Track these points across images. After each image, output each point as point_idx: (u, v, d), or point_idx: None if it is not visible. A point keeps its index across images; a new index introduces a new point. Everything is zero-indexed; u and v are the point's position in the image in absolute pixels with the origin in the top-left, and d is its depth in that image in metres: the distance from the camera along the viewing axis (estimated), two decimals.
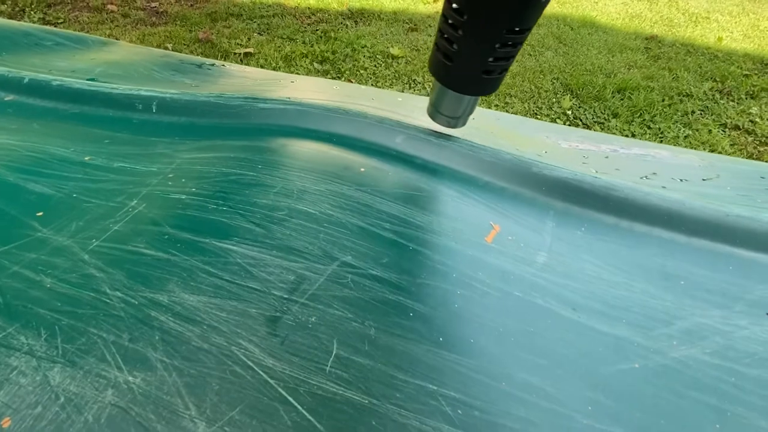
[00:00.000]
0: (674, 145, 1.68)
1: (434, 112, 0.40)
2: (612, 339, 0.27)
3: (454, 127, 0.41)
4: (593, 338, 0.26)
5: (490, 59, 0.31)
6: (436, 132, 0.42)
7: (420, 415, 0.21)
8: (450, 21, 0.30)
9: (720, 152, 1.67)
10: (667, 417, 0.23)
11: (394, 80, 2.07)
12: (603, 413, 0.22)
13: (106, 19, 2.46)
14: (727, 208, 0.36)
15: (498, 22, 0.29)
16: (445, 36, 0.32)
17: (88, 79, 0.53)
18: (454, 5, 0.29)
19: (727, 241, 0.35)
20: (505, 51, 0.31)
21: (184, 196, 0.33)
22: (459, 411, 0.21)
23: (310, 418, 0.20)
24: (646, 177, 0.46)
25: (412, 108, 0.52)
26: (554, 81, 2.12)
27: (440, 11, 0.31)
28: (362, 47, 2.30)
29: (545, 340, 0.26)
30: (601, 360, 0.25)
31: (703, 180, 0.47)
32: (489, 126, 0.55)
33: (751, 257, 0.34)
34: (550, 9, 2.95)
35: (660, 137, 1.76)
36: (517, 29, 0.29)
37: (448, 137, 0.42)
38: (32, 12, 2.45)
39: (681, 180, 0.46)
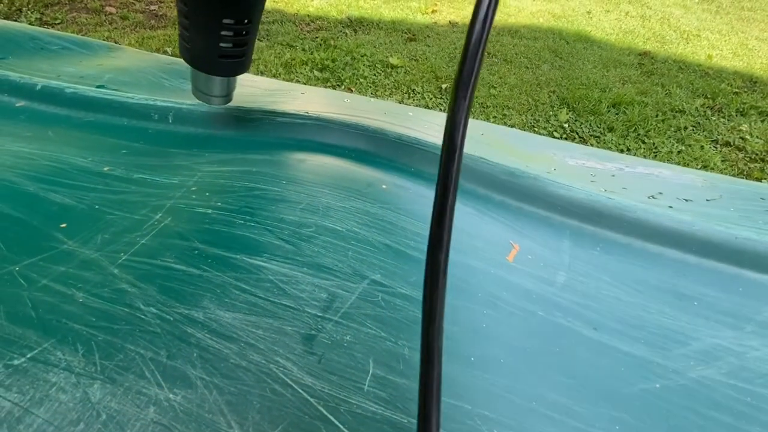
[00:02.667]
0: (668, 160, 1.71)
1: (195, 91, 0.42)
2: (632, 359, 0.27)
3: (222, 104, 0.43)
4: (615, 358, 0.27)
5: (222, 44, 0.34)
6: None
7: None
8: (181, 8, 0.33)
9: (712, 168, 1.71)
10: None
11: (394, 89, 2.09)
12: None
13: (105, 21, 2.45)
14: (736, 231, 0.37)
15: (213, 13, 0.32)
16: (180, 22, 0.35)
17: (97, 86, 0.53)
18: None
19: (735, 263, 0.36)
20: (233, 39, 0.34)
21: (210, 211, 0.33)
22: (494, 431, 0.21)
23: None
24: (653, 197, 0.47)
25: (423, 123, 0.53)
26: (551, 94, 2.16)
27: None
28: (362, 56, 2.31)
29: (570, 360, 0.26)
30: (623, 380, 0.26)
31: (707, 200, 0.49)
32: (497, 141, 0.56)
33: (759, 279, 0.35)
34: (546, 23, 3.00)
35: (654, 152, 1.80)
36: (234, 21, 0.33)
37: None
38: (29, 12, 2.43)
39: (686, 200, 0.47)
